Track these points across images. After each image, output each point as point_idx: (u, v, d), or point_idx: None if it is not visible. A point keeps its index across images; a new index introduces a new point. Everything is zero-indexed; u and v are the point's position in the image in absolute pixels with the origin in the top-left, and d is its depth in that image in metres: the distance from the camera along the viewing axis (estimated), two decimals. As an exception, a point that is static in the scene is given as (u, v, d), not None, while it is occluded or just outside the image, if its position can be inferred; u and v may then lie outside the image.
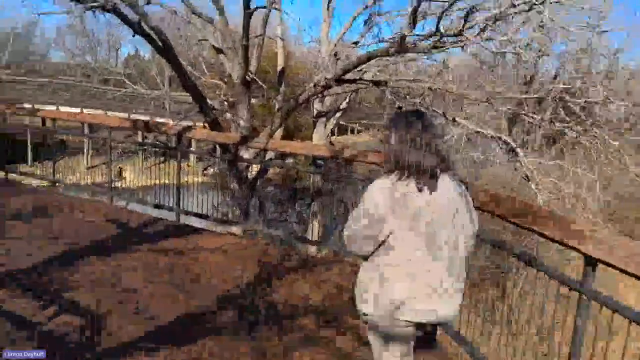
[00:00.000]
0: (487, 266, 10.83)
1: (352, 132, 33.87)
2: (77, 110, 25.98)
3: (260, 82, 9.66)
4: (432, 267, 1.83)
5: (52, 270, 3.69)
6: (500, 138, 6.46)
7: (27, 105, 25.46)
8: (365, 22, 11.90)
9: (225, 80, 11.62)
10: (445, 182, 1.86)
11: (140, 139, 11.14)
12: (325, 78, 7.96)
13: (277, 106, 10.84)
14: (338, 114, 13.45)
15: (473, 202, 2.02)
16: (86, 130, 15.77)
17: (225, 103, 11.36)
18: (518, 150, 6.02)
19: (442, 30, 4.43)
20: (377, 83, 6.97)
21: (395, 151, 1.87)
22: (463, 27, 4.44)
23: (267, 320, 3.31)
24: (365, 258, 1.92)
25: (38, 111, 7.22)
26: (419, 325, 1.91)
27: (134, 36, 6.37)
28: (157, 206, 5.59)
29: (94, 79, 35.82)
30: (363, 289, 1.93)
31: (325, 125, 13.20)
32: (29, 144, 13.67)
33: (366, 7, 11.09)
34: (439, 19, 4.33)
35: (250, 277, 3.98)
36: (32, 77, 31.26)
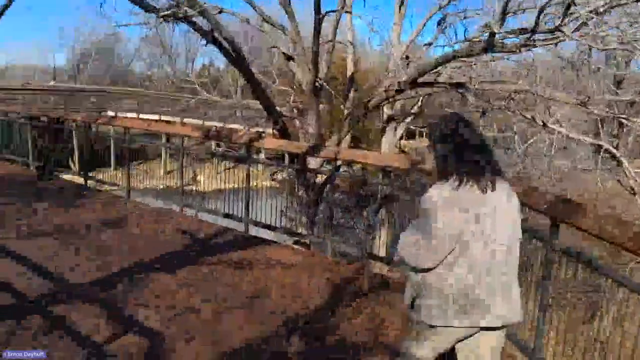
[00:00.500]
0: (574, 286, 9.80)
1: (421, 135, 32.86)
2: (156, 117, 27.36)
3: (329, 89, 9.45)
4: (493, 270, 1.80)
5: (118, 285, 3.64)
6: (600, 146, 5.72)
7: (110, 113, 27.50)
8: (439, 23, 11.36)
9: (294, 87, 11.58)
10: (501, 184, 1.83)
11: (213, 146, 11.36)
12: (399, 82, 7.58)
13: (345, 113, 10.59)
14: (409, 119, 12.93)
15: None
16: (163, 139, 16.38)
17: (294, 110, 11.32)
18: (622, 159, 5.26)
19: (539, 25, 3.91)
20: (456, 85, 6.46)
21: (447, 156, 1.83)
22: (562, 21, 3.89)
23: (338, 349, 3.01)
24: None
25: (116, 118, 7.47)
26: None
27: (206, 45, 6.40)
28: (227, 215, 5.51)
29: (171, 87, 37.78)
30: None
31: (395, 131, 12.74)
32: (112, 151, 14.45)
33: (440, 7, 10.58)
34: (540, 12, 3.81)
35: (320, 298, 3.71)
36: (116, 86, 33.55)
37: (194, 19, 6.15)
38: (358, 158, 4.90)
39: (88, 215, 5.49)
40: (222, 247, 4.74)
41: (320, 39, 8.03)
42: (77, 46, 41.98)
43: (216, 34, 6.18)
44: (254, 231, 5.33)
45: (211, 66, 51.25)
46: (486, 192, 1.77)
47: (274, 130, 8.75)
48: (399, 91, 7.65)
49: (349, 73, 10.84)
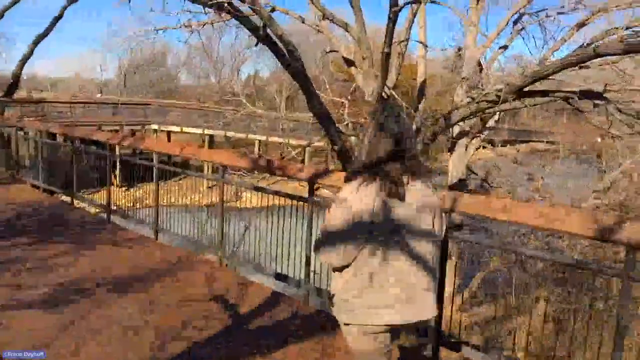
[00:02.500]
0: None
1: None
2: (199, 131, 26.56)
3: (398, 99, 7.87)
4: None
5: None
6: None
7: (154, 127, 27.07)
8: (515, 23, 9.67)
9: (348, 97, 10.09)
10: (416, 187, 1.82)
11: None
12: (497, 90, 5.89)
13: (414, 127, 8.95)
14: (485, 133, 11.07)
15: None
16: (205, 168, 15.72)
17: (349, 125, 9.84)
18: None
19: None
20: (588, 95, 4.71)
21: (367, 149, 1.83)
22: None
23: None
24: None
25: (143, 140, 6.25)
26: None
27: (256, 45, 5.04)
28: (279, 277, 3.99)
29: (216, 98, 37.30)
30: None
31: (467, 147, 10.90)
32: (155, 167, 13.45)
33: (519, 9, 9.01)
34: None
35: None
36: (162, 99, 33.32)
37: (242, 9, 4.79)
38: (498, 214, 2.62)
39: (106, 264, 4.19)
40: (277, 330, 3.24)
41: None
42: (125, 58, 42.53)
43: (269, 31, 4.80)
44: (318, 302, 3.78)
45: (256, 77, 50.92)
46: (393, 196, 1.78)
47: (333, 149, 7.27)
48: (496, 102, 5.97)
49: (419, 79, 9.20)
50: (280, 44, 5.11)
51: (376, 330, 1.82)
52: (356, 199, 1.73)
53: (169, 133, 27.35)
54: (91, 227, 5.63)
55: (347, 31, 7.02)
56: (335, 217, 1.76)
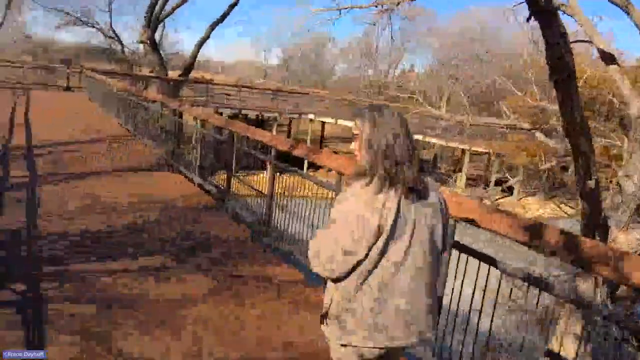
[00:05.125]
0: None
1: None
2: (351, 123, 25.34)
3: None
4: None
5: None
6: None
7: (310, 116, 26.73)
8: None
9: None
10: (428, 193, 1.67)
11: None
12: None
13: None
14: None
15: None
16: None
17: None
18: None
19: None
20: None
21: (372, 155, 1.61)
22: None
23: None
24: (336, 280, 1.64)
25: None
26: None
27: (528, 20, 3.12)
28: None
29: (371, 91, 36.05)
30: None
31: None
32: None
33: None
34: None
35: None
36: (320, 89, 33.14)
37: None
38: None
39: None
40: None
41: None
42: (287, 46, 43.74)
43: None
44: None
45: (411, 72, 48.53)
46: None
47: (578, 189, 4.98)
48: None
49: None
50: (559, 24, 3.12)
51: (375, 353, 1.63)
52: (364, 199, 1.54)
53: (323, 124, 26.82)
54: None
55: (628, 13, 4.64)
56: (337, 219, 1.58)
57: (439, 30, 40.54)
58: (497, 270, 2.41)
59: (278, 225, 4.66)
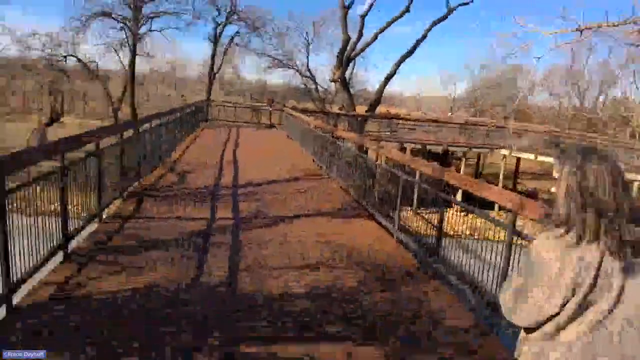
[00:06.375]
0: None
1: None
2: (552, 160, 22.10)
3: None
4: None
5: None
6: None
7: (503, 152, 24.27)
8: None
9: None
10: None
11: None
12: None
13: None
14: None
15: None
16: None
17: None
18: None
19: None
20: None
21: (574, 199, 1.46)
22: None
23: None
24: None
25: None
26: None
27: None
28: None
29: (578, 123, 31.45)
30: None
31: None
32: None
33: None
34: None
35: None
36: (514, 120, 30.18)
37: None
38: None
39: None
40: None
41: None
42: (476, 76, 41.48)
43: None
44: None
45: (626, 98, 41.11)
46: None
47: None
48: None
49: None
50: None
51: None
52: (559, 250, 1.44)
53: (518, 159, 24.17)
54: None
55: None
56: (529, 268, 1.51)
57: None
58: None
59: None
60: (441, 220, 4.61)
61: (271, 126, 23.80)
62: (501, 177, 22.76)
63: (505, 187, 21.68)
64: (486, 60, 39.73)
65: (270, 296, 3.85)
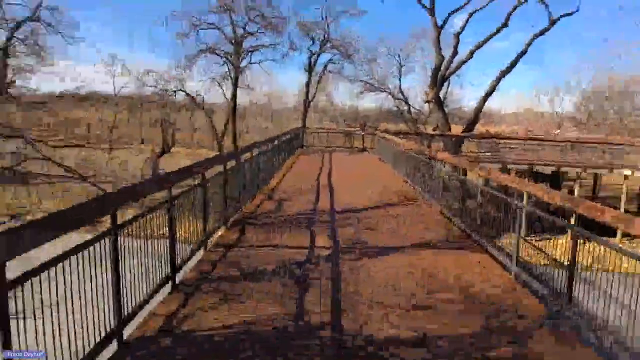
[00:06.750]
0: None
1: None
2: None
3: None
4: None
5: None
6: None
7: (626, 172, 21.60)
8: None
9: None
10: None
11: None
12: None
13: None
14: None
15: None
16: None
17: None
18: None
19: None
20: None
21: None
22: None
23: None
24: None
25: None
26: None
27: None
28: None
29: None
30: None
31: None
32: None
33: None
34: None
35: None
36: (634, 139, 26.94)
37: None
38: None
39: None
40: None
41: None
42: (587, 89, 37.91)
43: None
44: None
45: None
46: None
47: None
48: None
49: None
50: None
51: None
52: None
53: (643, 180, 21.40)
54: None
55: None
56: None
57: None
58: None
59: None
60: (574, 256, 3.95)
61: (363, 150, 23.72)
62: (623, 199, 20.24)
63: (627, 211, 19.24)
64: (597, 72, 36.27)
65: (374, 341, 3.57)
